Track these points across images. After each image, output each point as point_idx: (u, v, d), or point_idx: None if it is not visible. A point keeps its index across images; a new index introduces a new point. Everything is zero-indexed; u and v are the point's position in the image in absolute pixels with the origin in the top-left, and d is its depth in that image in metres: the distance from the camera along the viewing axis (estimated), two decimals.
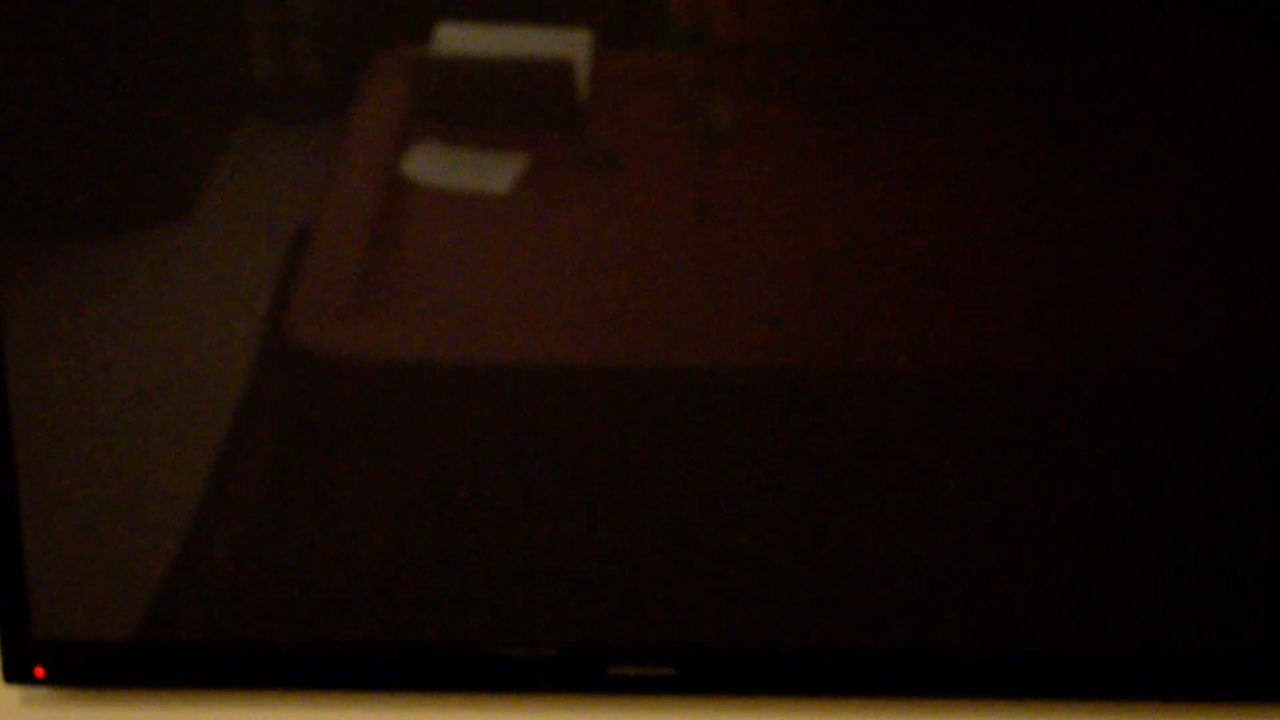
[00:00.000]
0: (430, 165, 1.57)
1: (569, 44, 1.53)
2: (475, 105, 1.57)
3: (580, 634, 1.67)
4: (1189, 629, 1.65)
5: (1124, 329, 1.59)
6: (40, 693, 1.73)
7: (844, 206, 1.57)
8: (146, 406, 1.62)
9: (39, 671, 1.68)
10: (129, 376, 1.62)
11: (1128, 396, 1.61)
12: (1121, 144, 1.55)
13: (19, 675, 1.68)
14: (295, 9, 1.55)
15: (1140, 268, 1.58)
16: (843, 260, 1.58)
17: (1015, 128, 1.55)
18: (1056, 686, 1.67)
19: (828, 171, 1.56)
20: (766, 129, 1.55)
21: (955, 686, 1.68)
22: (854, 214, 1.57)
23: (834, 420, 1.61)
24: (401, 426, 1.62)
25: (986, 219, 1.57)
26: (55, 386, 1.62)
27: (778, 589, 1.66)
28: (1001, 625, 1.66)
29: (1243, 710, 1.70)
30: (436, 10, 1.53)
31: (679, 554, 1.65)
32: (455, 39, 1.54)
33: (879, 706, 1.71)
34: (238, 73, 1.56)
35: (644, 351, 1.61)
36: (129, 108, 1.56)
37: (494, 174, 1.57)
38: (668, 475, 1.63)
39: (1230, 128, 1.54)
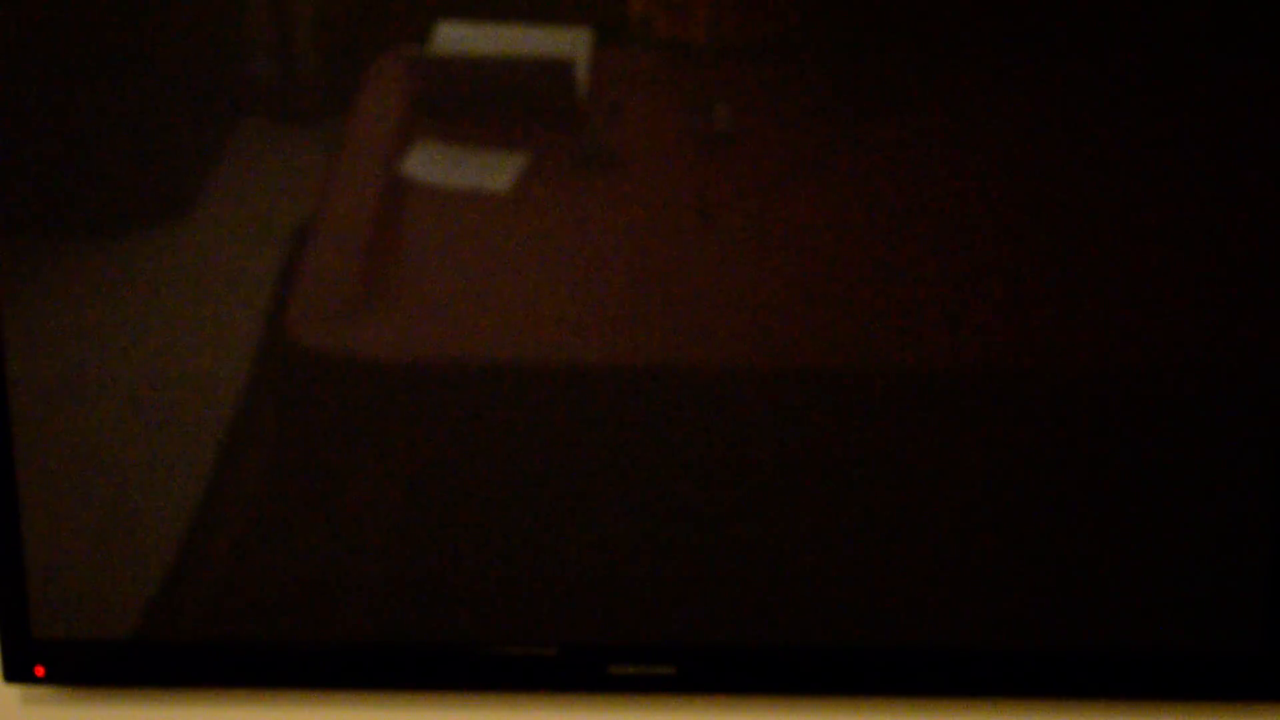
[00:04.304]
0: (430, 165, 1.57)
1: (569, 44, 1.54)
2: (475, 105, 1.57)
3: (580, 633, 1.67)
4: (1189, 629, 1.65)
5: (1124, 329, 1.59)
6: (40, 692, 1.73)
7: (844, 206, 1.57)
8: (146, 406, 1.62)
9: (39, 671, 1.68)
10: (129, 376, 1.62)
11: (1127, 396, 1.61)
12: (1121, 143, 1.55)
13: (19, 675, 1.69)
14: (295, 9, 1.55)
15: (1140, 267, 1.58)
16: (843, 260, 1.58)
17: (1015, 127, 1.55)
18: (1056, 686, 1.68)
19: (828, 171, 1.56)
20: (766, 129, 1.56)
21: (955, 686, 1.68)
22: (854, 213, 1.57)
23: (834, 420, 1.61)
24: (401, 426, 1.62)
25: (987, 218, 1.57)
26: (55, 386, 1.62)
27: (778, 589, 1.66)
28: (1001, 625, 1.66)
29: (1243, 710, 1.70)
30: (436, 10, 1.53)
31: (679, 553, 1.65)
32: (455, 39, 1.54)
33: (879, 706, 1.71)
34: (238, 73, 1.56)
35: (644, 351, 1.61)
36: (129, 107, 1.56)
37: (494, 173, 1.57)
38: (668, 475, 1.63)
39: (1230, 128, 1.54)
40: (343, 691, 1.72)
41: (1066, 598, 1.65)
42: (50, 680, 1.69)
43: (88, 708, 1.73)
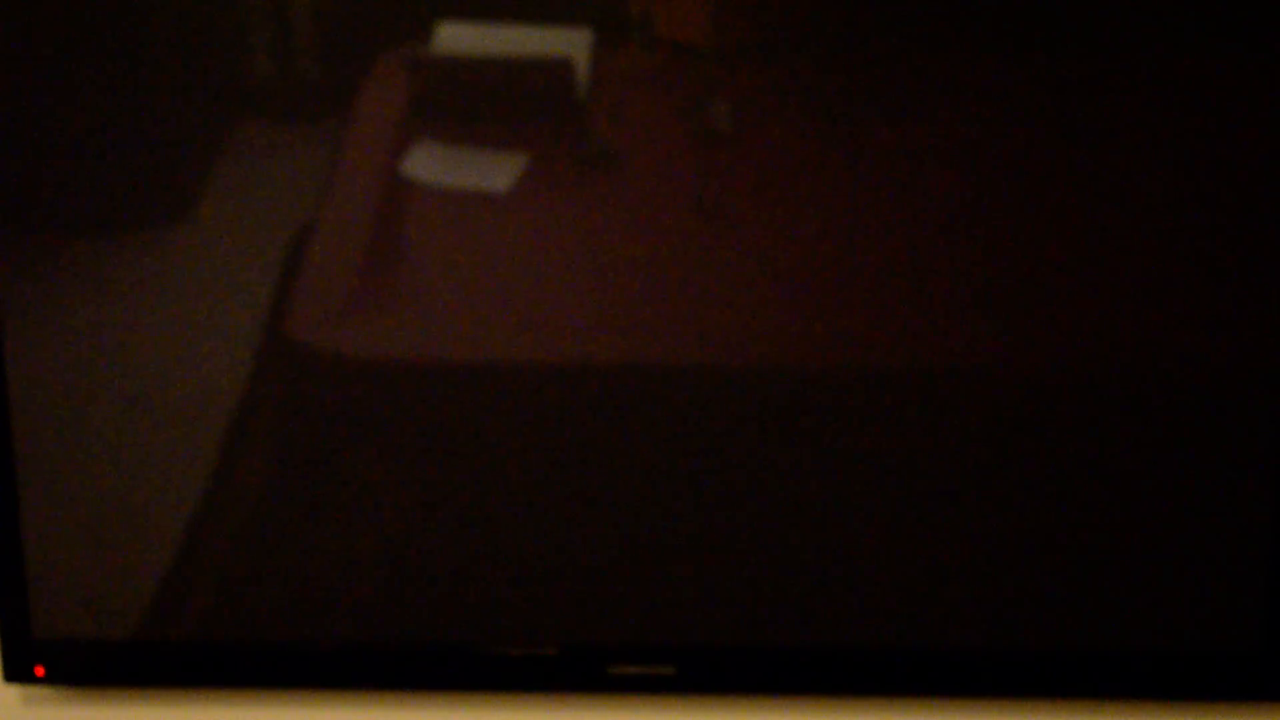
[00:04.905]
0: (430, 165, 1.57)
1: (569, 43, 1.54)
2: (475, 105, 1.57)
3: (580, 634, 1.67)
4: (1189, 629, 1.65)
5: (1124, 329, 1.59)
6: (40, 692, 1.73)
7: (843, 205, 1.57)
8: (147, 406, 1.62)
9: (39, 671, 1.68)
10: (129, 376, 1.62)
11: (1127, 396, 1.61)
12: (1121, 144, 1.55)
13: (19, 675, 1.69)
14: (295, 9, 1.55)
15: (1140, 267, 1.58)
16: (843, 259, 1.58)
17: (1015, 127, 1.55)
18: (1056, 686, 1.68)
19: (827, 170, 1.56)
20: (766, 128, 1.56)
21: (955, 686, 1.68)
22: (853, 213, 1.57)
23: (834, 420, 1.61)
24: (401, 426, 1.62)
25: (986, 218, 1.57)
26: (55, 386, 1.62)
27: (778, 589, 1.66)
28: (1001, 625, 1.66)
29: (1243, 710, 1.70)
30: (436, 10, 1.53)
31: (679, 553, 1.65)
32: (455, 39, 1.54)
33: (879, 706, 1.71)
34: (238, 73, 1.56)
35: (644, 350, 1.61)
36: (129, 108, 1.56)
37: (493, 173, 1.57)
38: (668, 475, 1.63)
39: (1230, 128, 1.54)
40: (343, 691, 1.72)
41: (1066, 598, 1.65)
42: (50, 680, 1.69)
43: (88, 708, 1.73)
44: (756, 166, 1.56)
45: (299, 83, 1.57)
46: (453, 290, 1.60)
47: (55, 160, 1.57)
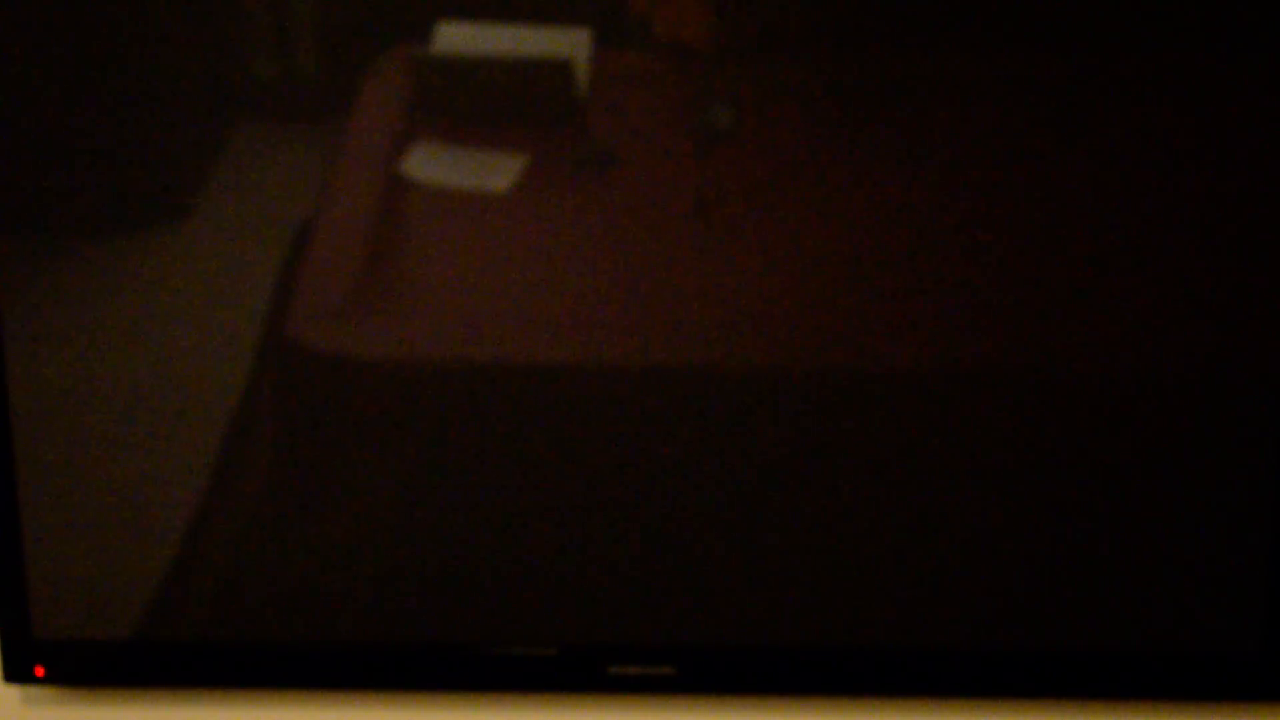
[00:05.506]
0: (430, 165, 1.57)
1: (569, 44, 1.54)
2: (475, 104, 1.57)
3: (580, 634, 1.67)
4: (1189, 629, 1.65)
5: (1124, 329, 1.59)
6: (40, 692, 1.73)
7: (843, 205, 1.57)
8: (147, 406, 1.62)
9: (39, 671, 1.68)
10: (129, 376, 1.62)
11: (1127, 396, 1.61)
12: (1122, 143, 1.55)
13: (19, 675, 1.69)
14: (295, 9, 1.55)
15: (1139, 267, 1.58)
16: (843, 260, 1.58)
17: (1015, 126, 1.55)
18: (1057, 686, 1.68)
19: (827, 170, 1.56)
20: (766, 128, 1.56)
21: (955, 686, 1.68)
22: (853, 213, 1.57)
23: (834, 420, 1.61)
24: (401, 426, 1.62)
25: (986, 218, 1.57)
26: (55, 386, 1.62)
27: (777, 589, 1.66)
28: (1001, 625, 1.66)
29: (1243, 710, 1.70)
30: (436, 10, 1.53)
31: (679, 553, 1.65)
32: (455, 38, 1.54)
33: (879, 706, 1.71)
34: (238, 73, 1.56)
35: (643, 351, 1.61)
36: (129, 108, 1.56)
37: (493, 173, 1.57)
38: (667, 475, 1.63)
39: (1230, 128, 1.54)
40: (343, 691, 1.72)
41: (1066, 598, 1.65)
42: (50, 680, 1.69)
43: (88, 708, 1.73)
44: (756, 166, 1.56)
45: (299, 83, 1.57)
46: (453, 290, 1.60)
47: (55, 160, 1.57)
